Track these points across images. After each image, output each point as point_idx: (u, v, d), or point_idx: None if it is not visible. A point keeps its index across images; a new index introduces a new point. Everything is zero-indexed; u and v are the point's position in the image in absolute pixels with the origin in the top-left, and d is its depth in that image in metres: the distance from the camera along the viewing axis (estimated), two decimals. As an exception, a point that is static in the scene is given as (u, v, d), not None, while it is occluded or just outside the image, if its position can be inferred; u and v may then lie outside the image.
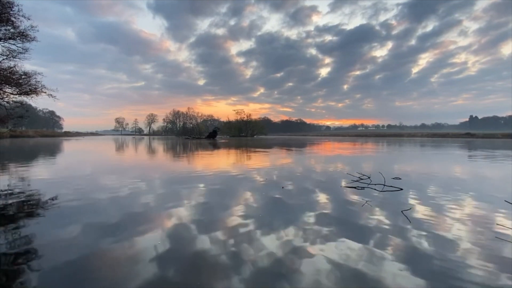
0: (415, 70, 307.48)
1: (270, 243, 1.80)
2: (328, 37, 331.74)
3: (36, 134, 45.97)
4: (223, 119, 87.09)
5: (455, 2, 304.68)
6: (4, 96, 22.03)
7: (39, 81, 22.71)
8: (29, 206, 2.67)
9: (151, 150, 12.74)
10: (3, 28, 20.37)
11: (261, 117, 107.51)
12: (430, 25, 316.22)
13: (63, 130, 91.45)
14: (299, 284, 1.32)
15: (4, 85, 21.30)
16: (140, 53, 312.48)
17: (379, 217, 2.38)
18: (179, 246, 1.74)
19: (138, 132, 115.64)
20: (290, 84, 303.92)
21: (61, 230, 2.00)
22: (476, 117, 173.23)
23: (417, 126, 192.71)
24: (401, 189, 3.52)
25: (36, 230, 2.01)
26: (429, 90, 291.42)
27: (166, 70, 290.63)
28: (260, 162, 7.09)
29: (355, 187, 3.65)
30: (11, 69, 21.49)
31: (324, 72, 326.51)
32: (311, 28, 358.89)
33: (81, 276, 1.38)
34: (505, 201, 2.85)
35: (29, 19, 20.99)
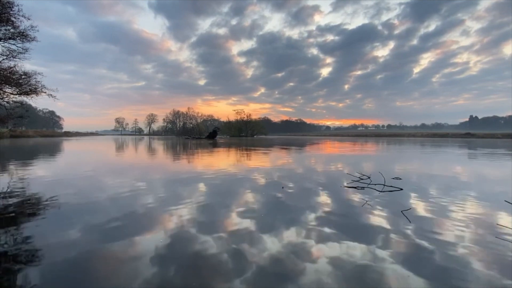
0: (416, 70, 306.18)
1: (271, 243, 1.80)
2: (330, 37, 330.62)
3: (36, 134, 45.91)
4: (223, 119, 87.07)
5: (458, 2, 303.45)
6: (4, 96, 22.04)
7: (39, 81, 22.74)
8: (29, 206, 2.67)
9: (151, 150, 12.74)
10: (3, 28, 20.38)
11: (261, 117, 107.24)
12: (432, 25, 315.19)
13: (63, 130, 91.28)
14: (300, 284, 1.32)
15: (4, 85, 21.31)
16: (141, 53, 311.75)
17: (379, 217, 2.39)
18: (180, 246, 1.74)
19: (138, 132, 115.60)
20: (291, 84, 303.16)
21: (62, 230, 2.00)
22: (476, 117, 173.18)
23: (417, 126, 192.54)
24: (401, 189, 3.52)
25: (36, 230, 2.01)
26: (430, 90, 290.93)
27: (166, 70, 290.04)
28: (260, 162, 7.09)
29: (355, 187, 3.66)
30: (11, 69, 21.50)
31: (325, 72, 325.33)
32: (313, 27, 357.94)
33: (81, 276, 1.38)
34: (505, 201, 2.86)
35: (29, 19, 21.01)
